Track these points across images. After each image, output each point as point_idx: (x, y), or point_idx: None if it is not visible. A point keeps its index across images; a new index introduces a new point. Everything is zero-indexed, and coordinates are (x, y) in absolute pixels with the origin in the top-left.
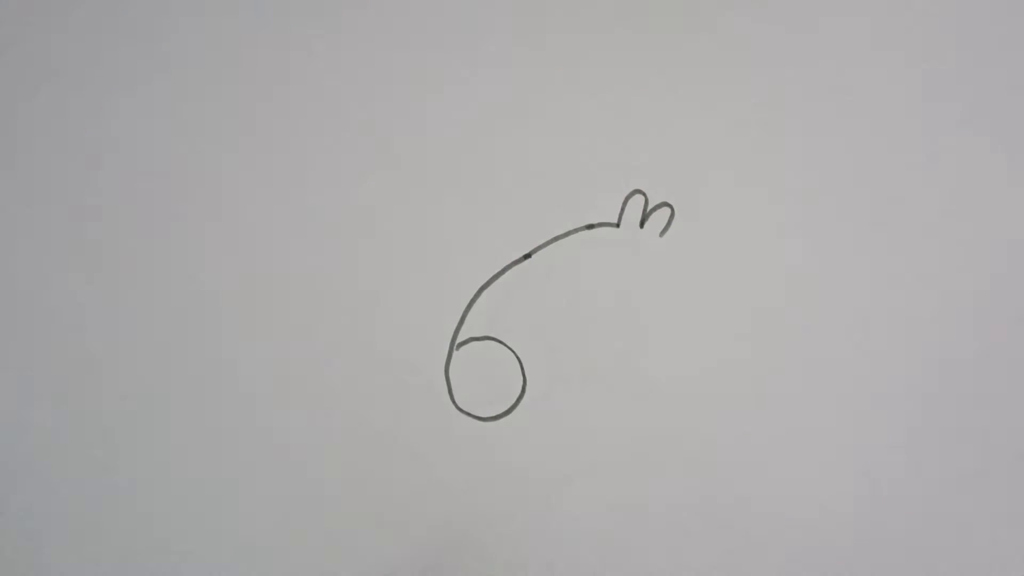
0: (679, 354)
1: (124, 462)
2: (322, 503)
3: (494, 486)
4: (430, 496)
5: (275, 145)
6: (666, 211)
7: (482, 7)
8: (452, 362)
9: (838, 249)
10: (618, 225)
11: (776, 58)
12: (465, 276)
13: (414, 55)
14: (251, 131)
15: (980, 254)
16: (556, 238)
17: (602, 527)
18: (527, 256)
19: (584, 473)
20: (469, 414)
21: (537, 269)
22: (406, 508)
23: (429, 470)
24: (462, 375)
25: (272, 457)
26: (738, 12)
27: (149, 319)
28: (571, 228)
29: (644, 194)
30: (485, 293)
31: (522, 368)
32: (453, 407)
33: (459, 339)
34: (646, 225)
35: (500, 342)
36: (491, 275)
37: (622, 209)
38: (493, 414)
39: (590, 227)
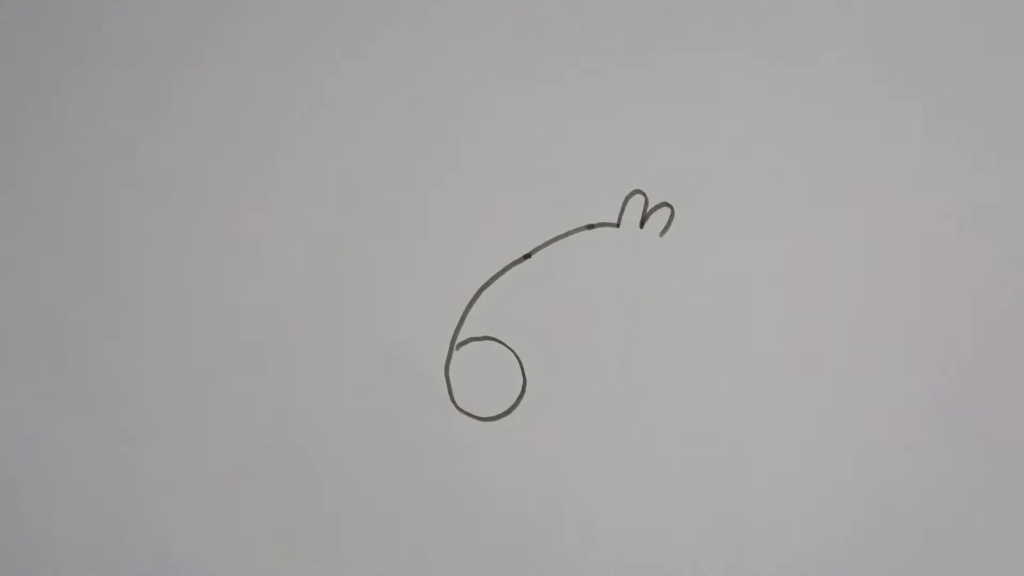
0: (679, 354)
1: (124, 462)
2: (322, 503)
3: (494, 486)
4: (430, 496)
5: (274, 145)
6: (666, 211)
7: (482, 6)
8: (452, 362)
9: (839, 249)
10: (618, 225)
11: (777, 58)
12: (465, 276)
13: (414, 54)
14: (251, 131)
15: (981, 254)
16: (556, 238)
17: (602, 527)
18: (527, 256)
19: (584, 473)
20: (469, 414)
21: (537, 269)
22: (406, 508)
23: (429, 470)
24: (462, 375)
25: (272, 457)
26: (739, 12)
27: (149, 319)
28: (571, 228)
29: (644, 194)
30: (485, 293)
31: (522, 368)
32: (453, 407)
33: (459, 339)
34: (646, 225)
35: (500, 342)
36: (491, 275)
37: (622, 209)
38: (493, 414)
39: (590, 227)
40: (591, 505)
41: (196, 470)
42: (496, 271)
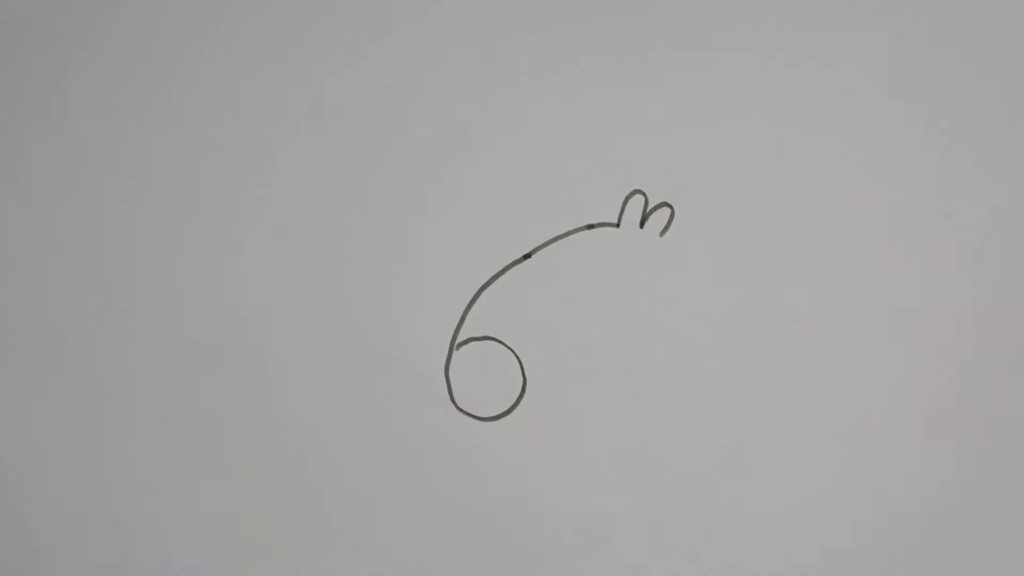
0: (679, 354)
1: (124, 462)
2: (322, 503)
3: (494, 486)
4: (430, 496)
5: (274, 144)
6: (666, 211)
7: (483, 6)
8: (452, 362)
9: (839, 249)
10: (618, 225)
11: (777, 58)
12: (465, 276)
13: (414, 54)
14: (250, 130)
15: (982, 255)
16: (556, 238)
17: (602, 527)
18: (527, 256)
19: (584, 473)
20: (469, 414)
21: (537, 269)
22: (406, 508)
23: (429, 470)
24: (462, 375)
25: (271, 457)
26: (739, 12)
27: (148, 319)
28: (571, 228)
29: (644, 194)
30: (485, 293)
31: (522, 368)
32: (453, 407)
33: (459, 339)
34: (646, 225)
35: (500, 342)
36: (491, 275)
37: (622, 209)
38: (493, 414)
39: (590, 227)
40: (591, 505)
41: (196, 470)
42: (496, 271)
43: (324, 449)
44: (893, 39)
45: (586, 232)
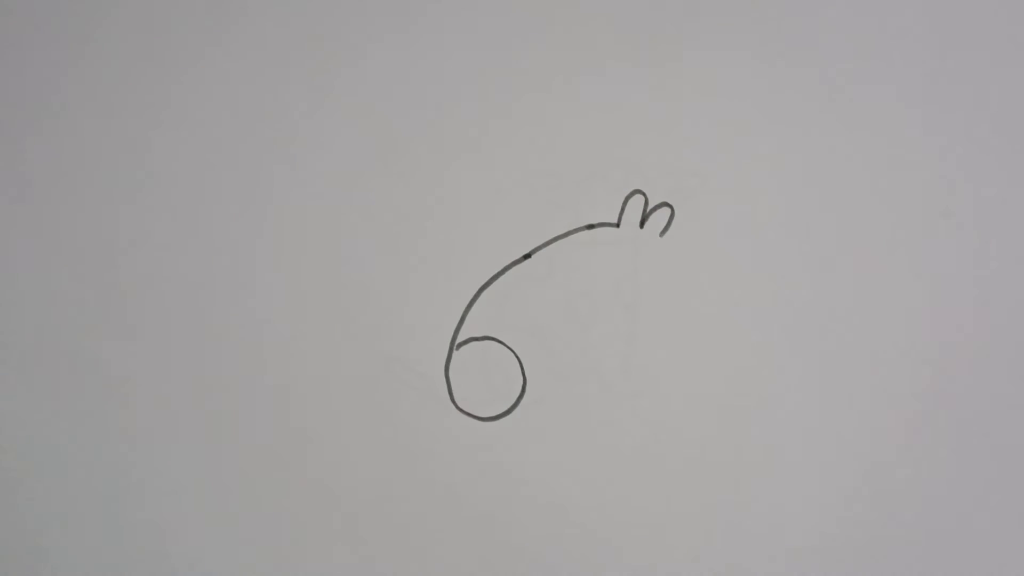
0: (679, 354)
1: (124, 462)
2: (322, 502)
3: (494, 486)
4: (430, 496)
5: (275, 145)
6: (666, 211)
7: (483, 6)
8: (452, 362)
9: (839, 249)
10: (618, 225)
11: (777, 58)
12: (465, 276)
13: (414, 54)
14: (251, 131)
15: (983, 254)
16: (556, 238)
17: (602, 526)
18: (527, 256)
19: (584, 473)
20: (469, 414)
21: (537, 269)
22: (405, 507)
23: (429, 470)
24: (462, 375)
25: (272, 457)
26: (739, 12)
27: (149, 319)
28: (571, 228)
29: (644, 194)
30: (485, 293)
31: (522, 368)
32: (453, 407)
33: (459, 339)
34: (646, 225)
35: (500, 342)
36: (491, 275)
37: (622, 209)
38: (493, 414)
39: (590, 227)
40: (591, 505)
41: (195, 470)
42: (496, 271)
43: (324, 449)
44: (893, 39)
45: (586, 232)
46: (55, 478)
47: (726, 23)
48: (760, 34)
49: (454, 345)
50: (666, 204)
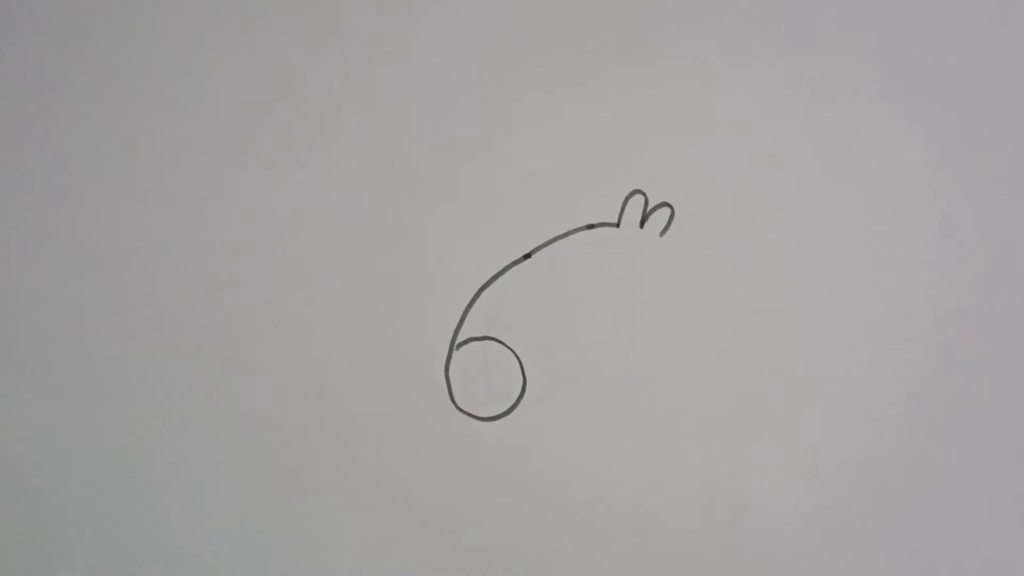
0: (679, 354)
1: (126, 464)
2: (322, 502)
3: (494, 486)
4: (429, 496)
5: (275, 147)
6: (666, 211)
7: (482, 7)
8: (452, 362)
9: (839, 249)
10: (618, 225)
11: (777, 58)
12: (465, 276)
13: (413, 55)
14: (251, 134)
15: (984, 255)
16: (556, 238)
17: (602, 526)
18: (527, 256)
19: (583, 473)
20: (469, 414)
21: (537, 269)
22: (405, 508)
23: (429, 470)
24: (462, 375)
25: (271, 457)
26: (739, 12)
27: (149, 320)
28: (571, 228)
29: (644, 194)
30: (485, 293)
31: (522, 368)
32: (453, 407)
33: (459, 339)
34: (646, 225)
35: (500, 342)
36: (491, 275)
37: (622, 209)
38: (493, 414)
39: (590, 227)
40: (591, 505)
41: (195, 470)
42: (496, 271)
43: (324, 448)
44: (893, 40)
45: (586, 232)
46: (55, 478)
47: (726, 23)
48: (760, 34)
49: (454, 345)
50: (666, 204)
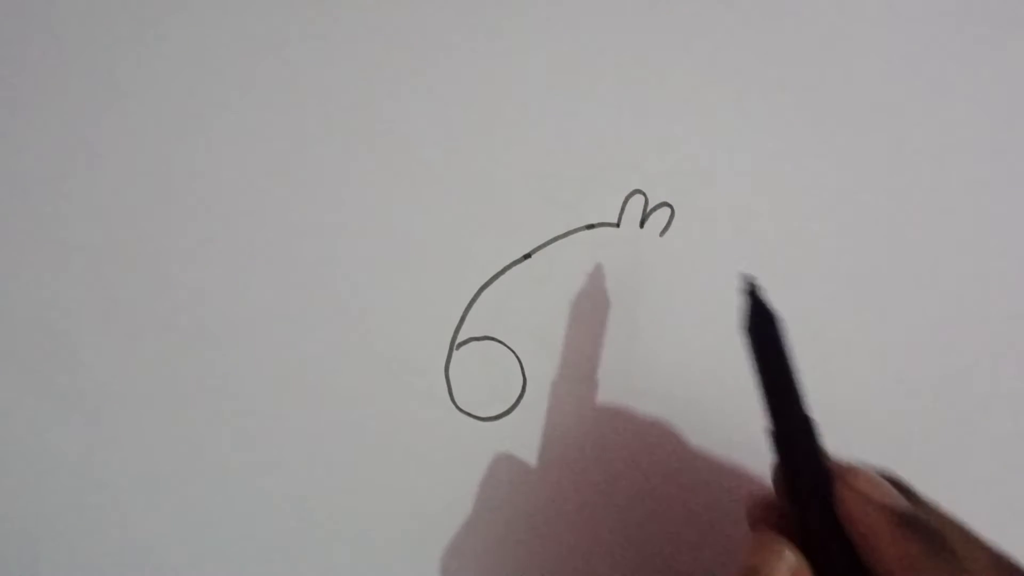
0: (679, 354)
1: (123, 465)
2: (321, 503)
3: (494, 486)
4: (430, 496)
5: (272, 145)
6: (666, 211)
7: (482, 6)
8: (452, 362)
9: (839, 249)
10: (618, 225)
11: (777, 57)
12: (465, 276)
13: (413, 53)
14: (248, 132)
15: (985, 255)
16: (556, 238)
17: (602, 526)
18: (527, 256)
19: (583, 473)
20: (469, 414)
21: (537, 269)
22: (405, 508)
23: (429, 470)
24: (462, 375)
25: (271, 458)
26: (740, 12)
27: (147, 320)
28: (571, 228)
29: (644, 194)
30: (485, 293)
31: (522, 368)
32: (453, 407)
33: (459, 339)
34: (646, 225)
35: (500, 342)
36: (491, 275)
37: (622, 209)
38: (493, 414)
39: (590, 227)
40: (591, 505)
41: (193, 471)
42: (496, 271)
43: (323, 449)
44: (894, 39)
45: (586, 232)
46: (54, 478)
47: (727, 22)
48: (760, 34)
49: (454, 345)
50: (666, 204)
